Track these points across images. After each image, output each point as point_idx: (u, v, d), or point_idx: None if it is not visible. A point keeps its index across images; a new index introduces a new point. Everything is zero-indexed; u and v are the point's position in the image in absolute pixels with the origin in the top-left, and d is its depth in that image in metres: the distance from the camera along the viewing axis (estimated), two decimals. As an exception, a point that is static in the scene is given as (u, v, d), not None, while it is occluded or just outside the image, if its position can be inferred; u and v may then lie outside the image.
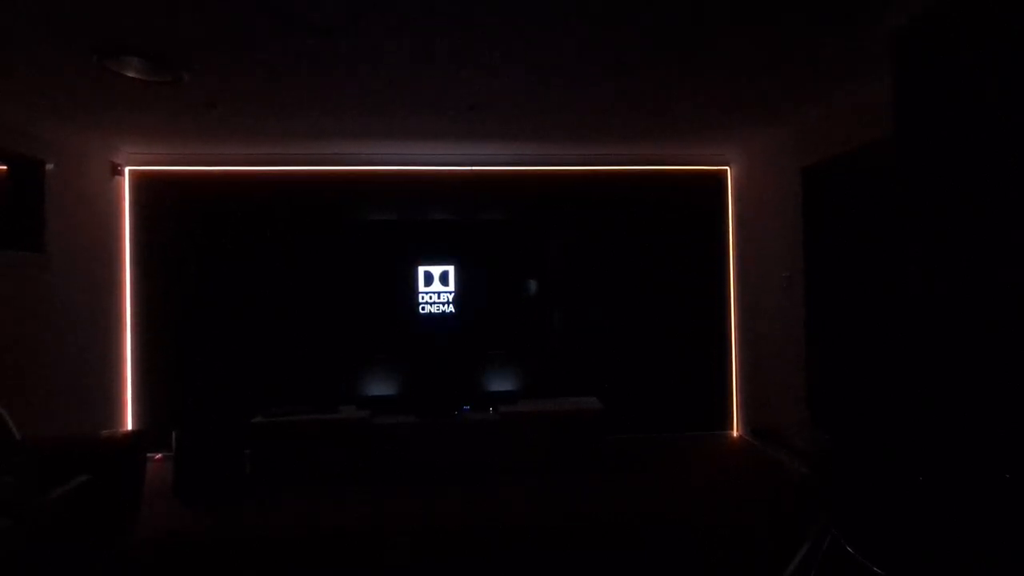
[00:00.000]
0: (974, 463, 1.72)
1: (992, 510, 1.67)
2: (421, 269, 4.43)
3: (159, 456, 4.13)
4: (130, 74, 2.64)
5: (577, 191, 4.70)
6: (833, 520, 2.71)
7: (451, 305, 4.46)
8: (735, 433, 4.73)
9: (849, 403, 3.22)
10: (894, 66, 2.02)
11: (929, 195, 1.91)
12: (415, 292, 4.43)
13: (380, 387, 4.48)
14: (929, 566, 1.88)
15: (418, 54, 2.58)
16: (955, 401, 1.79)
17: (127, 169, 4.36)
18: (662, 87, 3.09)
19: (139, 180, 4.40)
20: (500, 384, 4.55)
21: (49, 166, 3.64)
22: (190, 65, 2.64)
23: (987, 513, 1.68)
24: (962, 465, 1.76)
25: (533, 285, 4.60)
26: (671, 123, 3.82)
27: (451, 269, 4.45)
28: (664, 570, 2.63)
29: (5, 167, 3.56)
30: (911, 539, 1.99)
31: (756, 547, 2.81)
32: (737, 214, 4.74)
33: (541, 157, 4.59)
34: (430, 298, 4.44)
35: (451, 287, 4.45)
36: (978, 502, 1.71)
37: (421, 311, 4.44)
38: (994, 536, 1.66)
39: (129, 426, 4.32)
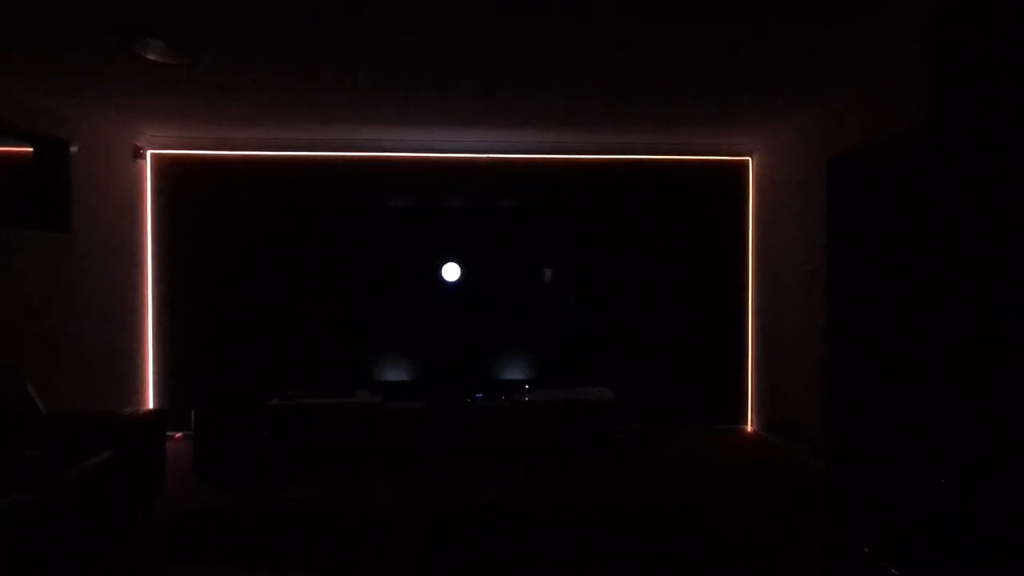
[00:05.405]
0: (995, 465, 1.68)
1: (1011, 513, 1.63)
2: (436, 255, 4.44)
3: (179, 435, 4.22)
4: (151, 56, 2.65)
5: (593, 180, 4.65)
6: (849, 519, 2.67)
7: (465, 292, 4.45)
8: (749, 428, 4.69)
9: (870, 402, 3.16)
10: (928, 50, 1.94)
11: (961, 187, 1.85)
12: (429, 278, 4.44)
13: (394, 373, 4.51)
14: (945, 567, 1.85)
15: (434, 34, 2.55)
16: (977, 402, 1.74)
17: (149, 152, 4.41)
18: (683, 73, 3.02)
19: (161, 163, 4.46)
20: (513, 372, 4.55)
21: (73, 148, 3.70)
22: (210, 47, 2.64)
23: (1006, 516, 1.64)
24: (982, 467, 1.72)
25: (548, 274, 4.58)
26: (692, 111, 3.75)
27: (466, 256, 4.45)
28: (666, 566, 2.62)
29: (31, 148, 3.63)
30: (928, 540, 1.95)
31: (765, 545, 2.78)
32: (758, 205, 4.65)
33: (558, 145, 4.55)
34: (444, 285, 4.44)
35: (466, 274, 4.45)
36: (998, 505, 1.67)
37: (435, 297, 4.45)
38: (1012, 539, 1.62)
39: (150, 405, 4.42)
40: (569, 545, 2.77)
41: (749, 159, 4.69)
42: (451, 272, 4.45)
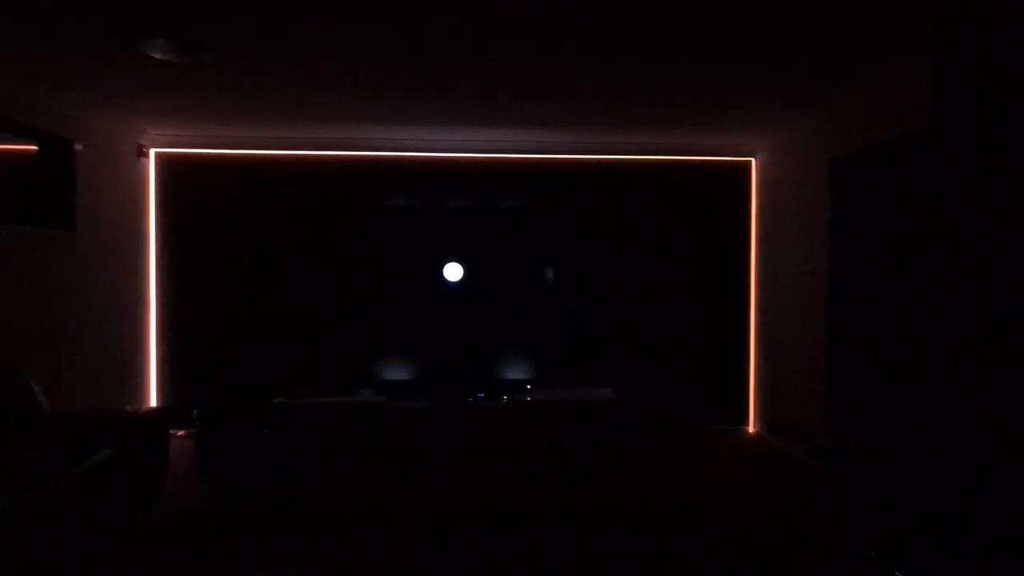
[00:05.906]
0: (995, 465, 1.67)
1: (1012, 513, 1.62)
2: (438, 255, 4.44)
3: (182, 433, 4.23)
4: (154, 55, 2.66)
5: (596, 180, 4.64)
6: (853, 522, 2.66)
7: (467, 292, 4.46)
8: (751, 429, 4.68)
9: (873, 403, 3.15)
10: (935, 51, 1.93)
11: (962, 187, 1.84)
12: (432, 278, 4.44)
13: (396, 372, 4.51)
14: (947, 568, 1.84)
15: (434, 34, 2.55)
16: (977, 402, 1.74)
17: (152, 151, 4.42)
18: (683, 74, 3.02)
19: (164, 162, 4.47)
20: (515, 372, 4.55)
21: (77, 147, 3.71)
22: (211, 47, 2.65)
23: (1007, 516, 1.63)
24: (982, 467, 1.71)
25: (550, 274, 4.58)
26: (692, 112, 3.74)
27: (468, 256, 4.45)
28: (666, 566, 2.61)
29: (36, 147, 3.64)
30: (929, 540, 1.94)
31: (765, 545, 2.78)
32: (761, 206, 4.64)
33: (560, 145, 4.54)
34: (446, 285, 4.44)
35: (468, 274, 4.45)
36: (999, 505, 1.66)
37: (437, 297, 4.45)
38: (1013, 538, 1.61)
39: (153, 403, 4.43)
40: (569, 545, 2.77)
41: (752, 160, 4.68)
42: (453, 272, 4.46)
